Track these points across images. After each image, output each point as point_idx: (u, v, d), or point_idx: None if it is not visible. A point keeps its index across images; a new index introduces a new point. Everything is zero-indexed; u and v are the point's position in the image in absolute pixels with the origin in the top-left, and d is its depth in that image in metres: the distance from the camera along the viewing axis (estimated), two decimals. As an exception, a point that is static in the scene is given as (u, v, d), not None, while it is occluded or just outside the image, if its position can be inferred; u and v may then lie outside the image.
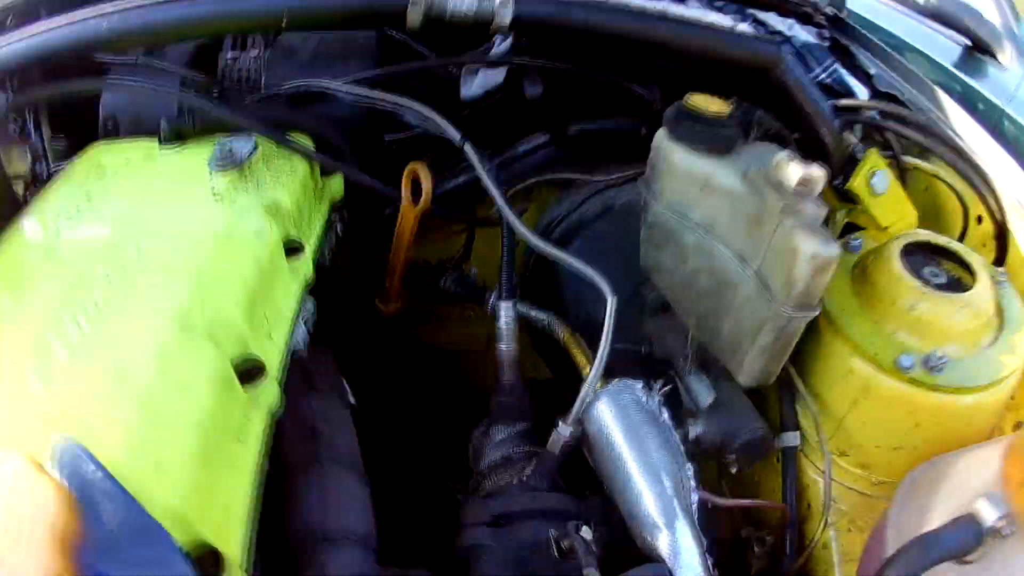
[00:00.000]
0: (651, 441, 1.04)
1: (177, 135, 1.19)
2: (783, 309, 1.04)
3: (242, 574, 0.74)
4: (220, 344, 0.89)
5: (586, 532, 0.99)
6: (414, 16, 1.11)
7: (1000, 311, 1.20)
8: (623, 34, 1.18)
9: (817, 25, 1.51)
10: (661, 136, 1.14)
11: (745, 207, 1.08)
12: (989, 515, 0.86)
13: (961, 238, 1.35)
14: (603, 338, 1.05)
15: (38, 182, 1.30)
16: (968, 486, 0.98)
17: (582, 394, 1.07)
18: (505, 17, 1.12)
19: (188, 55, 1.41)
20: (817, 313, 1.06)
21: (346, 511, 1.07)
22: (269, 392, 0.93)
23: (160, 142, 1.20)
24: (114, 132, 1.33)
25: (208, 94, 1.26)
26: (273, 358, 0.97)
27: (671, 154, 1.13)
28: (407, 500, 1.28)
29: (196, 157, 1.15)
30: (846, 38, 1.53)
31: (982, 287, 1.15)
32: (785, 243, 1.03)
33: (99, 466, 0.66)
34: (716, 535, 1.30)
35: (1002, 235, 1.29)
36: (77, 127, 1.40)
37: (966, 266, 1.19)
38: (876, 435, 1.16)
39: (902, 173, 1.29)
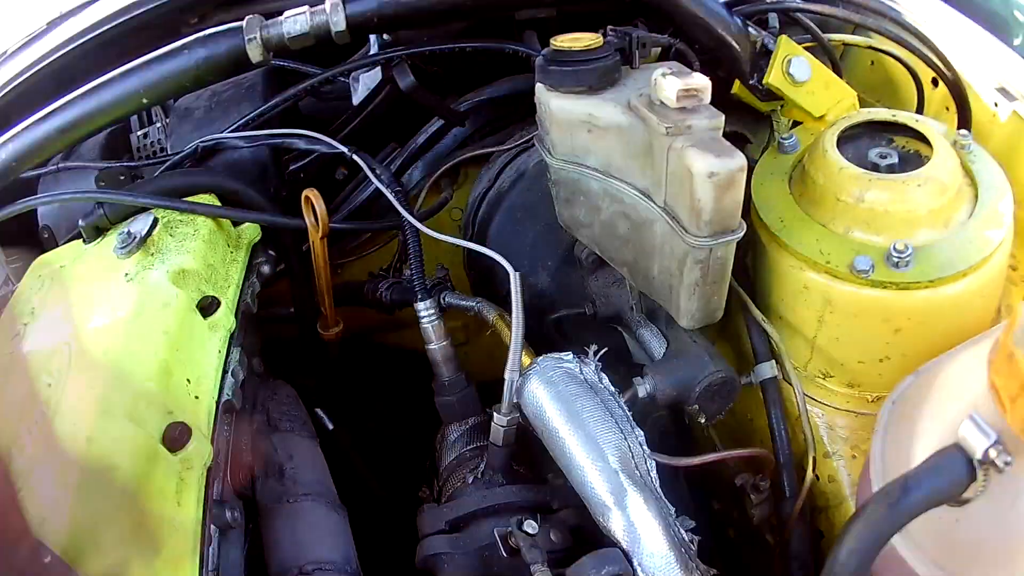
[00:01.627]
0: (587, 413, 0.92)
1: (96, 230, 1.19)
2: (697, 240, 0.91)
3: None
4: (141, 421, 0.91)
5: (529, 526, 0.89)
6: (255, 52, 1.07)
7: (972, 179, 1.01)
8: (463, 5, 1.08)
9: None
10: (539, 87, 1.03)
11: (634, 139, 0.96)
12: (978, 442, 0.64)
13: (920, 108, 1.16)
14: (514, 317, 0.95)
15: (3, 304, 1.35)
16: (957, 401, 0.79)
17: (507, 378, 0.97)
18: (339, 24, 1.05)
19: (102, 144, 1.42)
20: (739, 236, 0.92)
21: (318, 543, 1.06)
22: (199, 450, 0.92)
23: (84, 242, 1.20)
24: (52, 241, 1.39)
25: (118, 182, 1.26)
26: (201, 416, 0.97)
27: (550, 102, 1.01)
28: (390, 513, 1.24)
29: (105, 247, 1.16)
30: None
31: (941, 157, 0.98)
32: (680, 167, 0.90)
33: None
34: (705, 494, 1.18)
35: (959, 93, 1.09)
36: (29, 238, 1.45)
37: (920, 136, 1.01)
38: (855, 350, 1.00)
39: (831, 54, 1.11)
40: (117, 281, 1.10)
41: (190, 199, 1.15)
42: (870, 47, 1.14)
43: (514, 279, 0.96)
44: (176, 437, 0.91)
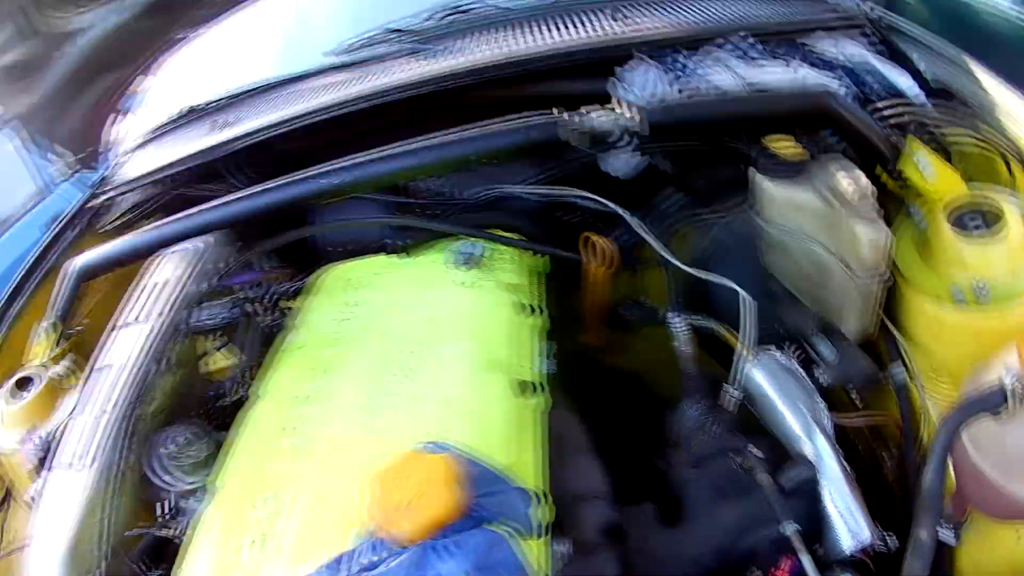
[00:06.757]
0: (791, 387, 1.68)
1: (402, 248, 1.91)
2: (860, 279, 1.65)
3: (545, 500, 1.39)
4: (504, 373, 1.56)
5: (755, 449, 1.64)
6: (565, 135, 1.75)
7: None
8: (717, 118, 1.82)
9: (864, 32, 2.06)
10: (753, 174, 1.80)
11: (823, 215, 1.70)
12: (1007, 378, 1.25)
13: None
14: (746, 324, 1.71)
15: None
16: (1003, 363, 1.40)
17: (739, 364, 1.72)
18: (644, 129, 1.73)
19: None
20: (886, 277, 1.64)
21: (588, 479, 1.71)
22: (540, 398, 1.60)
23: (387, 254, 1.90)
24: (336, 257, 2.01)
25: (415, 215, 1.94)
26: (536, 379, 1.63)
27: (762, 186, 1.78)
28: (630, 470, 1.96)
29: (427, 261, 1.85)
30: (895, 36, 2.05)
31: (1012, 223, 1.63)
32: (851, 234, 1.62)
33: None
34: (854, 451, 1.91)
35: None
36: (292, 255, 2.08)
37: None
38: (959, 360, 1.63)
39: (946, 150, 1.81)
40: (450, 286, 1.76)
41: (497, 232, 1.87)
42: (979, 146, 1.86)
43: (750, 303, 1.72)
44: (524, 388, 1.56)
